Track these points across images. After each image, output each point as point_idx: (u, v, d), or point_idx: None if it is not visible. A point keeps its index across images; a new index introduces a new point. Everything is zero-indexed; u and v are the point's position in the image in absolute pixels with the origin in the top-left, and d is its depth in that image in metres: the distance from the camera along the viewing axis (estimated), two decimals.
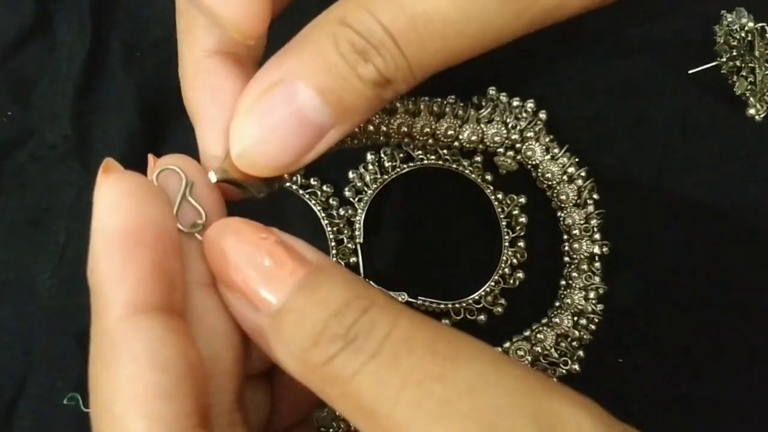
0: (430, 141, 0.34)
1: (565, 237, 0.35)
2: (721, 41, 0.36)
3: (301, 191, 0.35)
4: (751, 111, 0.35)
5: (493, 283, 0.34)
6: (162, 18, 0.37)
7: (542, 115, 0.35)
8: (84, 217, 0.35)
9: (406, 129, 0.33)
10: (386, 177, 0.35)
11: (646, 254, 0.35)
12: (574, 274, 0.34)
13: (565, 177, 0.35)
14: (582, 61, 0.36)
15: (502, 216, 0.35)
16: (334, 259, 0.35)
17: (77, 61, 0.36)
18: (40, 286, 0.35)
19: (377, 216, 0.35)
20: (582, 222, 0.34)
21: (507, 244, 0.35)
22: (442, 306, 0.34)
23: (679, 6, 0.37)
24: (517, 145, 0.34)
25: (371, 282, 0.34)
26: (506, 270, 0.34)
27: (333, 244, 0.35)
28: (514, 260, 0.34)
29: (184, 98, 0.25)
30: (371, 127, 0.32)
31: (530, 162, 0.35)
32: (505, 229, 0.35)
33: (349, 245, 0.35)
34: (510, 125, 0.34)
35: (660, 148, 0.36)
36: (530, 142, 0.34)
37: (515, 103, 0.34)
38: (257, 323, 0.21)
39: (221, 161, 0.24)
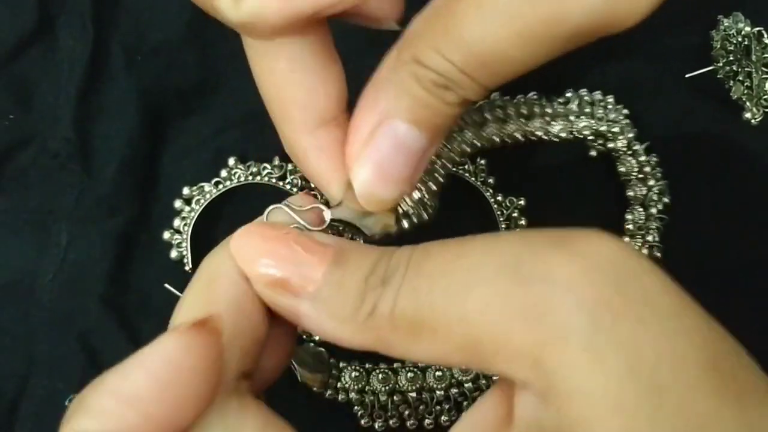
0: (520, 139, 0.35)
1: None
2: (718, 46, 0.36)
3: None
4: (747, 115, 0.35)
5: None
6: (163, 22, 0.37)
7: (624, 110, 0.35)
8: (85, 219, 0.36)
9: (497, 138, 0.34)
10: None
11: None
12: None
13: (640, 175, 0.35)
14: (578, 65, 0.37)
15: (501, 219, 0.35)
16: None
17: (79, 65, 0.36)
18: (42, 289, 0.35)
19: None
20: (641, 220, 0.35)
21: None
22: None
23: (677, 10, 0.37)
24: (608, 135, 0.35)
25: None
26: None
27: None
28: None
29: (301, 168, 0.28)
30: (465, 146, 0.33)
31: (613, 153, 0.35)
32: None
33: None
34: (597, 116, 0.35)
35: (656, 151, 0.36)
36: (616, 135, 0.35)
37: (597, 97, 0.35)
38: (298, 308, 0.23)
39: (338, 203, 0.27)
